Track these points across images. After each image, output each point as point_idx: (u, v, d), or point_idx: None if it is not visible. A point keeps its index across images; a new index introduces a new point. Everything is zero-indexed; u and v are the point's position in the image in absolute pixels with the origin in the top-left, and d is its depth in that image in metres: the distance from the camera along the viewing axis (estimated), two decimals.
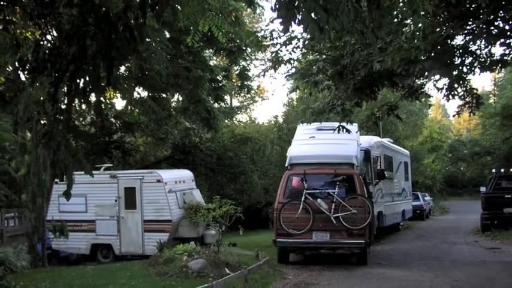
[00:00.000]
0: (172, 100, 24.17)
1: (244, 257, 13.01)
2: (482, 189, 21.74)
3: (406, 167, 24.34)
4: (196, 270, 10.89)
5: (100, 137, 23.61)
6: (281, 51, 11.12)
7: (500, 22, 9.55)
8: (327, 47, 11.34)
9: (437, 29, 9.15)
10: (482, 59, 9.79)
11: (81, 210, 15.35)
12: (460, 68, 9.81)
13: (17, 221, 16.35)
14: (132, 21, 5.04)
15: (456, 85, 10.38)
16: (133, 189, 15.18)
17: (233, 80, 25.62)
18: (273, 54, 11.26)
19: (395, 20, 9.01)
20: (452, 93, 10.45)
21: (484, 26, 9.27)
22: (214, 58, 26.37)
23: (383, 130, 28.96)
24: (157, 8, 4.98)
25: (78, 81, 5.44)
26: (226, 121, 30.21)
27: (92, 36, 5.25)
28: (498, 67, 10.35)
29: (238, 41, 19.41)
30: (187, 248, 12.20)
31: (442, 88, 10.49)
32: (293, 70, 12.00)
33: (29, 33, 6.25)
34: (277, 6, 4.39)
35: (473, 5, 9.08)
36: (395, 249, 16.40)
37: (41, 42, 5.80)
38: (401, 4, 8.09)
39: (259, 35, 11.16)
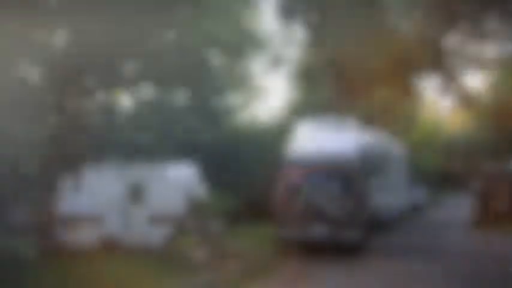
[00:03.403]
0: None
1: (247, 249, 13.34)
2: (475, 184, 22.15)
3: (403, 162, 24.64)
4: (201, 262, 11.27)
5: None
6: (281, 51, 11.52)
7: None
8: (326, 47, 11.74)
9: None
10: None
11: (90, 204, 15.74)
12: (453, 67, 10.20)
13: (28, 215, 16.69)
14: None
15: (450, 84, 10.76)
16: (141, 184, 15.58)
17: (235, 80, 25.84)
18: (274, 55, 11.65)
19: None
20: (446, 91, 10.84)
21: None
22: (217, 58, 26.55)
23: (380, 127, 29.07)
24: None
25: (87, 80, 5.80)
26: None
27: None
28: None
29: (240, 42, 19.68)
30: (193, 240, 12.55)
31: (437, 87, 10.89)
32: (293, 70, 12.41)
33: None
34: (277, 9, 4.77)
35: None
36: (391, 241, 16.62)
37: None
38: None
39: (260, 36, 11.55)
